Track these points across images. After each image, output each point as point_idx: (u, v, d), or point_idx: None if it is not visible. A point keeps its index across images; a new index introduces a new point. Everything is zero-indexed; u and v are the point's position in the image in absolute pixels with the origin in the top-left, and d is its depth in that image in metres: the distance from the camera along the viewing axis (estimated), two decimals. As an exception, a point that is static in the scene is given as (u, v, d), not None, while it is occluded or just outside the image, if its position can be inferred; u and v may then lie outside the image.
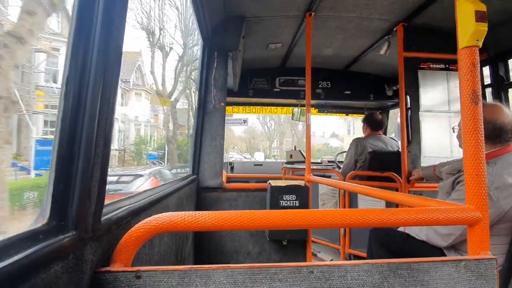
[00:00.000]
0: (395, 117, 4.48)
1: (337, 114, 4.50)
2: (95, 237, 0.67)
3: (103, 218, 0.71)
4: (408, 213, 0.82)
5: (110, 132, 0.70)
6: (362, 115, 4.06)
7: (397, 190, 2.52)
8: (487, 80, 2.48)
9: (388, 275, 0.73)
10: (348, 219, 0.79)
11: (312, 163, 2.55)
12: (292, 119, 4.19)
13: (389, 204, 2.48)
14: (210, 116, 2.23)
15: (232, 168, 4.70)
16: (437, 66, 2.52)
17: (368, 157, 3.00)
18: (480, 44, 0.82)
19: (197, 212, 0.74)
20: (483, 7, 0.81)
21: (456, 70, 2.03)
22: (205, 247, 2.17)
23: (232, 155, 25.82)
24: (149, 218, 0.73)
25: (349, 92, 3.62)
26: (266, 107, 4.28)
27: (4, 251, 0.45)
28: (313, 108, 4.17)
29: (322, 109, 4.27)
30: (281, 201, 1.98)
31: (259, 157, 28.53)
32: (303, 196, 2.00)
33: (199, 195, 2.20)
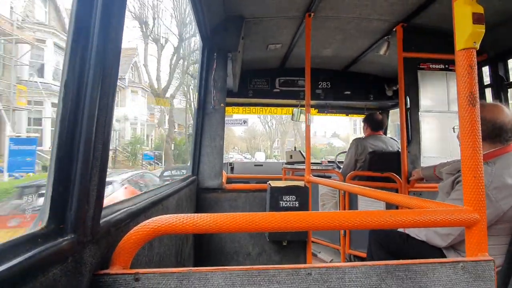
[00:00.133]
0: (395, 117, 4.47)
1: (337, 114, 4.51)
2: (94, 240, 0.67)
3: (102, 221, 0.71)
4: (406, 215, 0.82)
5: (109, 135, 0.70)
6: (362, 115, 4.06)
7: (397, 190, 2.52)
8: (487, 80, 2.48)
9: (385, 277, 0.73)
10: (347, 221, 0.79)
11: (312, 163, 2.55)
12: (292, 119, 4.19)
13: (389, 205, 2.48)
14: (210, 117, 2.23)
15: (232, 169, 4.69)
16: (437, 66, 2.52)
17: (368, 157, 3.00)
18: (478, 46, 0.82)
19: (196, 214, 0.75)
20: (480, 9, 0.81)
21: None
22: (205, 248, 2.18)
23: (232, 156, 25.82)
24: (148, 221, 0.73)
25: (349, 93, 3.62)
26: (266, 108, 4.29)
27: (3, 255, 0.45)
28: (313, 109, 4.18)
29: (322, 109, 4.28)
30: (281, 202, 1.99)
31: (260, 157, 28.51)
32: (303, 197, 2.00)
33: (199, 196, 2.20)
